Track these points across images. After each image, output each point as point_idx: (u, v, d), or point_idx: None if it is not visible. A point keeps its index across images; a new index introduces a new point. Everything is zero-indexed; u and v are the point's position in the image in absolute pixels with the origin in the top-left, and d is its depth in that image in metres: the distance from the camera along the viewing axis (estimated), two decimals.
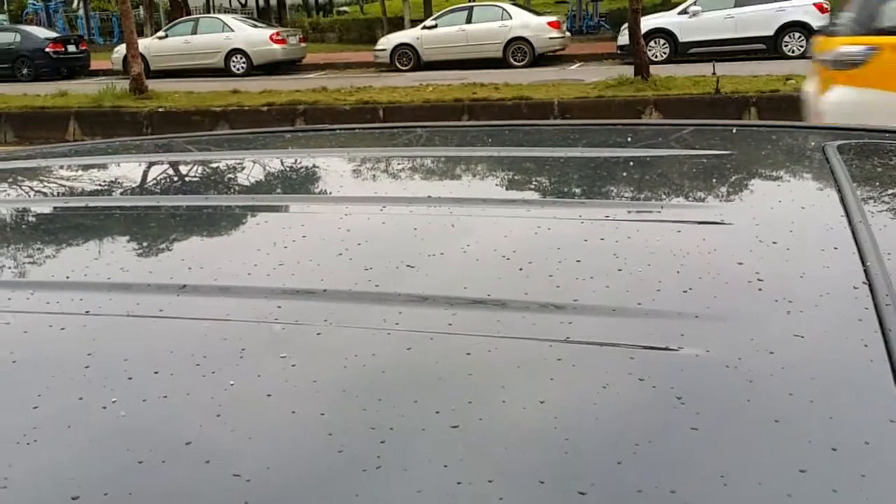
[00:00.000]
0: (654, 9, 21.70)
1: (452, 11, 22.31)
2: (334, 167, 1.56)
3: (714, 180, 1.35)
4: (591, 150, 1.56)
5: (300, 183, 1.50)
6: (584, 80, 13.64)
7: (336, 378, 0.70)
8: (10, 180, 1.59)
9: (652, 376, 0.67)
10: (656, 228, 1.04)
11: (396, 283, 0.88)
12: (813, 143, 1.53)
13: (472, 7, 22.52)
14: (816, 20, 17.91)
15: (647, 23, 17.52)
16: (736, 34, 18.44)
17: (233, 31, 22.49)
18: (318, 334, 0.77)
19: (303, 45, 23.83)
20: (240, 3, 49.66)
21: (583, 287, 0.85)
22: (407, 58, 21.36)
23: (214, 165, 1.65)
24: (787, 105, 10.47)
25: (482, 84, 13.24)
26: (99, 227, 1.24)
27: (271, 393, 0.68)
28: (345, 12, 44.15)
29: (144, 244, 1.11)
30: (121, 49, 20.48)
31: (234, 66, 22.12)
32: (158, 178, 1.59)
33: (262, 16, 38.36)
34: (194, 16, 27.03)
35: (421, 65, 21.01)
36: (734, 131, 1.79)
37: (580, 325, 0.76)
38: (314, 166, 1.58)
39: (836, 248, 0.93)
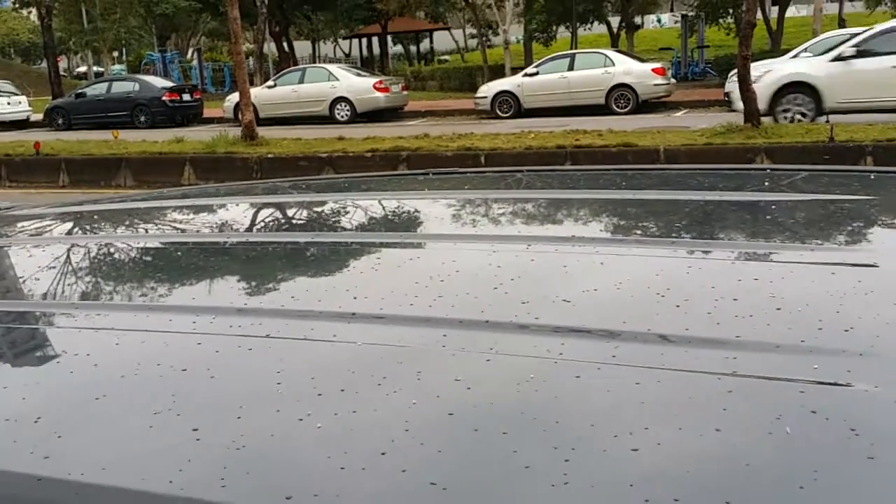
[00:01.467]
0: (762, 55, 21.28)
1: (554, 59, 22.46)
2: (471, 207, 1.60)
3: (859, 224, 1.34)
4: (729, 194, 1.56)
5: (443, 222, 1.54)
6: (691, 127, 13.48)
7: (512, 401, 0.73)
8: (178, 217, 1.73)
9: (824, 409, 0.68)
10: (809, 270, 1.04)
11: (556, 316, 0.91)
12: None
13: (574, 54, 22.63)
14: None
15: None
16: None
17: (338, 79, 23.16)
18: (488, 361, 0.80)
19: (405, 92, 24.33)
20: (344, 53, 51.17)
21: (743, 324, 0.85)
22: (508, 105, 21.55)
23: (361, 205, 1.72)
24: None
25: (585, 131, 13.22)
26: (265, 259, 1.33)
27: (453, 412, 0.71)
28: (446, 61, 44.98)
29: (311, 276, 1.19)
30: (232, 98, 21.31)
31: (339, 114, 22.72)
32: (313, 216, 1.69)
33: (366, 65, 39.40)
34: (302, 66, 27.97)
35: (522, 112, 21.16)
36: (872, 177, 1.77)
37: (745, 361, 0.76)
38: (453, 206, 1.63)
39: None
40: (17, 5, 45.67)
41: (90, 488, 0.63)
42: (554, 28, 35.09)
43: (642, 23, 49.51)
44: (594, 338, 0.84)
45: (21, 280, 1.28)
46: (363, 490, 0.61)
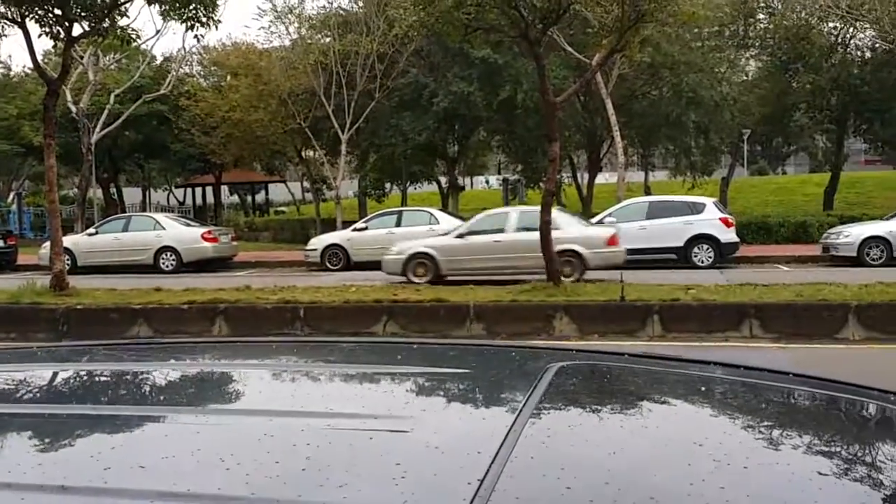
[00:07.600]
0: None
1: (382, 215, 23.17)
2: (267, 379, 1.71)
3: None
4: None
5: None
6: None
7: None
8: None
9: None
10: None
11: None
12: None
13: (401, 211, 23.41)
14: None
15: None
16: None
17: (164, 228, 22.85)
18: None
19: (235, 243, 24.23)
20: (178, 201, 50.57)
21: None
22: (337, 258, 21.82)
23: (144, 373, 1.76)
24: None
25: (403, 286, 13.49)
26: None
27: None
28: (283, 212, 45.20)
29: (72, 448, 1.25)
30: (48, 245, 20.42)
31: (164, 263, 22.28)
32: (89, 385, 1.70)
33: (199, 214, 39.07)
34: (126, 214, 27.41)
35: (351, 265, 21.44)
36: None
37: None
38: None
39: None
40: None
41: None
42: (389, 185, 36.18)
43: (471, 183, 52.41)
44: None
45: None
46: None
